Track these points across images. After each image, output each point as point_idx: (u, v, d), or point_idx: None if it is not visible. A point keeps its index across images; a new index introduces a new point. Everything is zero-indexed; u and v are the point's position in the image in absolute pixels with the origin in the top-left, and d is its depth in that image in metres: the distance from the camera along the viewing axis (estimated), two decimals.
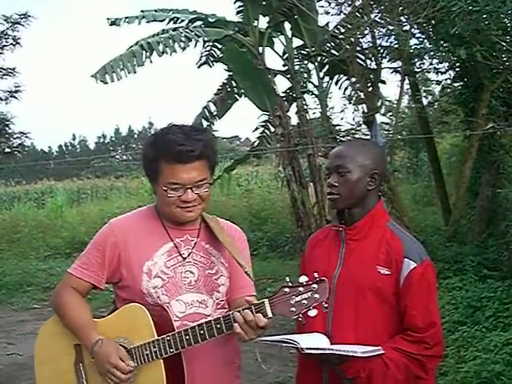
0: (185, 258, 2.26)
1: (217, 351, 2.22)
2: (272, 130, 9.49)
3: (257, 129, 10.03)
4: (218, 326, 2.05)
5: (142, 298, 2.21)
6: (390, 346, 2.14)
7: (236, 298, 2.30)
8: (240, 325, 2.01)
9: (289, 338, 2.07)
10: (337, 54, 8.43)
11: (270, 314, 1.99)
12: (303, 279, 1.97)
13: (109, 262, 2.25)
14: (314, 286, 1.96)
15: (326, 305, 1.97)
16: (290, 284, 1.98)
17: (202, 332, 2.06)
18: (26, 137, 11.57)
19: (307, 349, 2.05)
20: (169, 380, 2.10)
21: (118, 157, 43.82)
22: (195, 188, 2.17)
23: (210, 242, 2.31)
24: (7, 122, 11.29)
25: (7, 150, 11.46)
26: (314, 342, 2.12)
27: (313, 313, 1.96)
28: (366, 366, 2.11)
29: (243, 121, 38.22)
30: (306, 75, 9.17)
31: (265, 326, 2.01)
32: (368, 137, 8.04)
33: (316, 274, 1.99)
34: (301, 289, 1.96)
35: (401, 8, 7.02)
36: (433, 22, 6.71)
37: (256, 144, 10.38)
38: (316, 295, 1.95)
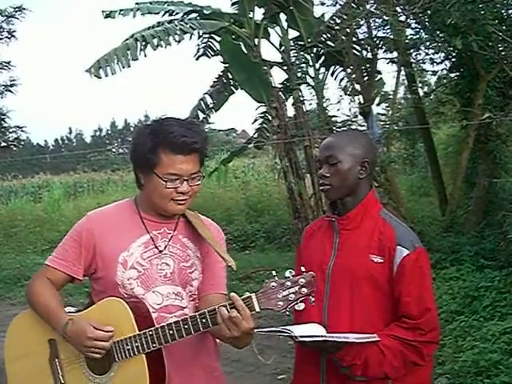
0: (161, 251, 2.24)
1: (195, 343, 2.19)
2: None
3: (256, 120, 10.00)
4: (204, 320, 2.01)
5: (115, 288, 2.18)
6: (385, 334, 2.15)
7: (207, 293, 2.28)
8: (223, 319, 1.96)
9: (284, 328, 2.08)
10: (333, 45, 8.40)
11: (257, 309, 1.96)
12: (290, 273, 1.96)
13: (85, 252, 2.22)
14: (302, 280, 1.95)
15: (312, 299, 1.96)
16: (277, 278, 1.96)
17: (186, 326, 2.03)
18: (22, 131, 11.56)
19: (301, 337, 2.06)
20: (151, 375, 2.06)
21: (114, 150, 43.84)
22: (190, 180, 2.17)
23: (188, 236, 2.30)
24: (3, 116, 11.27)
25: (3, 144, 11.44)
26: (309, 331, 2.13)
27: (300, 307, 1.95)
28: (361, 354, 2.12)
29: (240, 113, 38.21)
30: (304, 65, 9.13)
31: (251, 327, 1.96)
32: (364, 128, 8.03)
33: (303, 268, 1.98)
34: (288, 283, 1.95)
35: None
36: (428, 12, 6.70)
37: (255, 136, 10.34)
38: (303, 289, 1.94)
